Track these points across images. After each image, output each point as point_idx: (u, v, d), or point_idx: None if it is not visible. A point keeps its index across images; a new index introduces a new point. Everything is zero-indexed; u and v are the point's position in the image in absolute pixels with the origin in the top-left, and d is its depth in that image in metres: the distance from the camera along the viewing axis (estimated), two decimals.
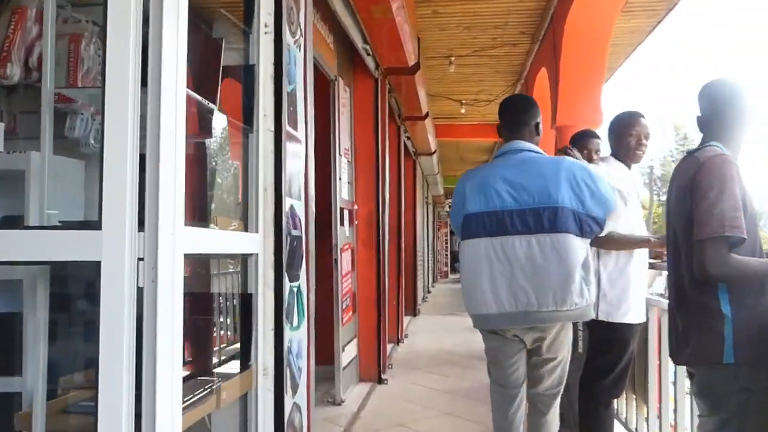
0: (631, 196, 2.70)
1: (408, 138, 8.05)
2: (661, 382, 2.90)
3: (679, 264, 1.93)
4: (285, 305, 2.22)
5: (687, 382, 2.46)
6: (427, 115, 7.22)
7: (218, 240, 1.94)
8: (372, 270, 5.04)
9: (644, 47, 6.27)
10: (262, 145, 2.17)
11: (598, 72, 5.11)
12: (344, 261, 4.53)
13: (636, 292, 2.68)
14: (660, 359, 2.91)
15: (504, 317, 2.31)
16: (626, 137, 2.76)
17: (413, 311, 9.42)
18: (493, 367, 2.49)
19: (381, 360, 5.06)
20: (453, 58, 6.53)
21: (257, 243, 2.12)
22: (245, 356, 2.08)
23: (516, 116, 2.48)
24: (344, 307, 4.51)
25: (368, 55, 4.72)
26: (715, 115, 1.94)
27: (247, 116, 2.20)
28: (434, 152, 9.79)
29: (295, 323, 2.36)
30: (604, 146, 3.10)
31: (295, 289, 2.40)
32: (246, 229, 2.13)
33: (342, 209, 4.54)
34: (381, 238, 5.02)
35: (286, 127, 2.28)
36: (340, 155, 4.47)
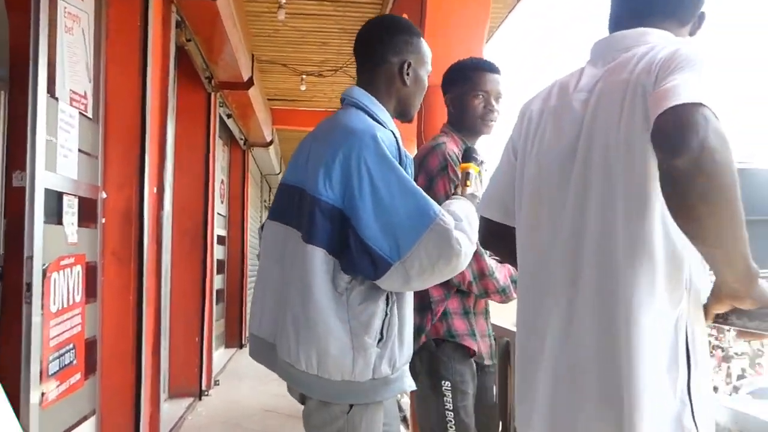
0: None
1: (229, 116, 6.07)
2: None
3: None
4: None
5: None
6: (251, 82, 5.32)
7: None
8: (128, 298, 3.04)
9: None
10: None
11: (479, 13, 3.58)
12: (58, 287, 2.52)
13: None
14: None
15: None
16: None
17: (239, 342, 7.39)
18: None
19: None
20: (284, 1, 4.73)
21: None
22: None
23: (358, 48, 1.66)
24: (55, 370, 2.49)
25: None
26: None
27: None
28: (270, 143, 7.89)
29: None
30: None
31: None
32: None
33: (60, 194, 2.55)
34: (142, 246, 3.04)
35: None
36: (55, 98, 2.48)
